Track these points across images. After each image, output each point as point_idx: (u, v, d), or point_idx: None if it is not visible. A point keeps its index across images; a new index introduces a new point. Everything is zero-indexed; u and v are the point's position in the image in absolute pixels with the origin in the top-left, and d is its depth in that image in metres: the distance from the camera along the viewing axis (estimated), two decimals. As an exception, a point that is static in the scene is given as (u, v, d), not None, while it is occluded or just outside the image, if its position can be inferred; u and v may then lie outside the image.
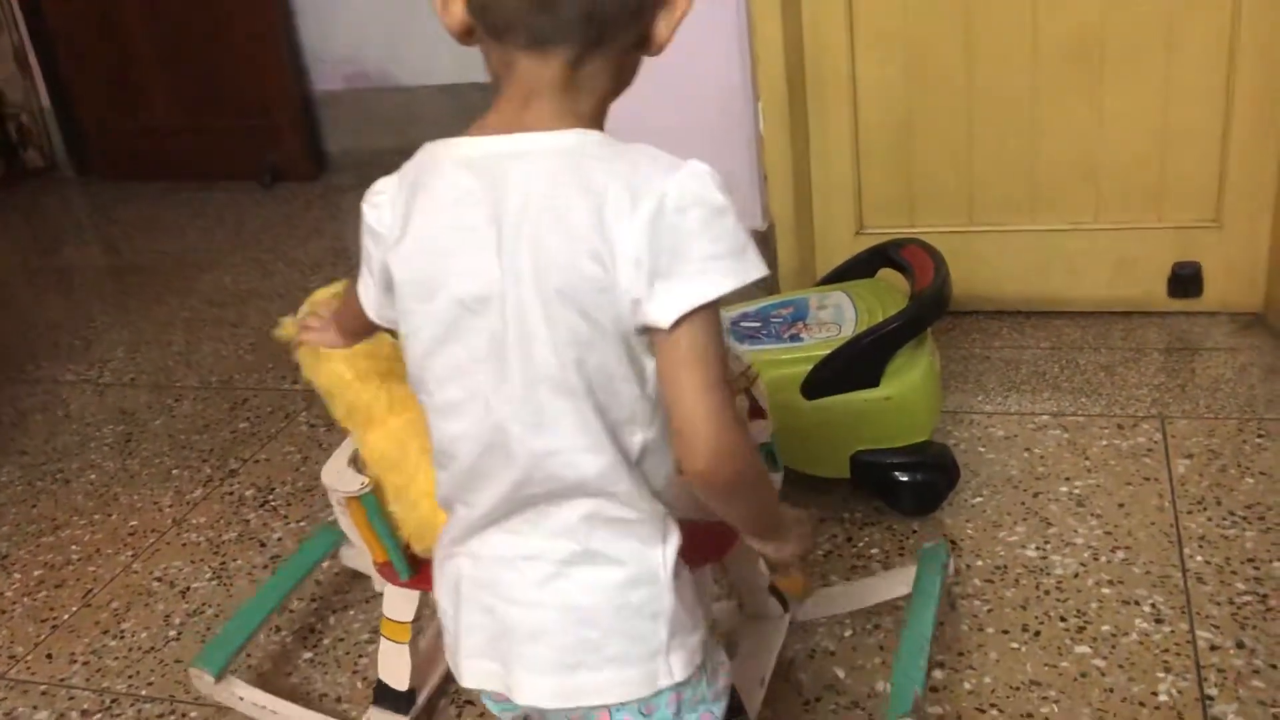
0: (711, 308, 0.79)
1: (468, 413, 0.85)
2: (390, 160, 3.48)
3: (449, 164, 0.84)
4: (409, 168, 0.89)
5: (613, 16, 0.81)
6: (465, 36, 0.85)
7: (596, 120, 0.85)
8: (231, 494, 2.07)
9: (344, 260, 3.19)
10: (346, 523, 1.36)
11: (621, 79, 0.87)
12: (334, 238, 3.41)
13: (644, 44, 0.86)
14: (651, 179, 0.78)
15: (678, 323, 0.78)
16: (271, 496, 2.04)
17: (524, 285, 0.80)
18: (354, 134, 4.08)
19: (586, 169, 0.80)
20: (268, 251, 3.33)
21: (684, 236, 0.78)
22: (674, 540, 0.87)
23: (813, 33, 2.21)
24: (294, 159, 3.97)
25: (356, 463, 1.31)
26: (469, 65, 4.08)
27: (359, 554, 1.48)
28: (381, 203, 0.90)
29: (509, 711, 0.95)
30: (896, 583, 1.53)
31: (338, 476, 1.31)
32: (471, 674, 0.90)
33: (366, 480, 1.28)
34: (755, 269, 0.80)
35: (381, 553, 1.32)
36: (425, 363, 0.86)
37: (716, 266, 0.78)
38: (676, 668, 0.86)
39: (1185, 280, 2.20)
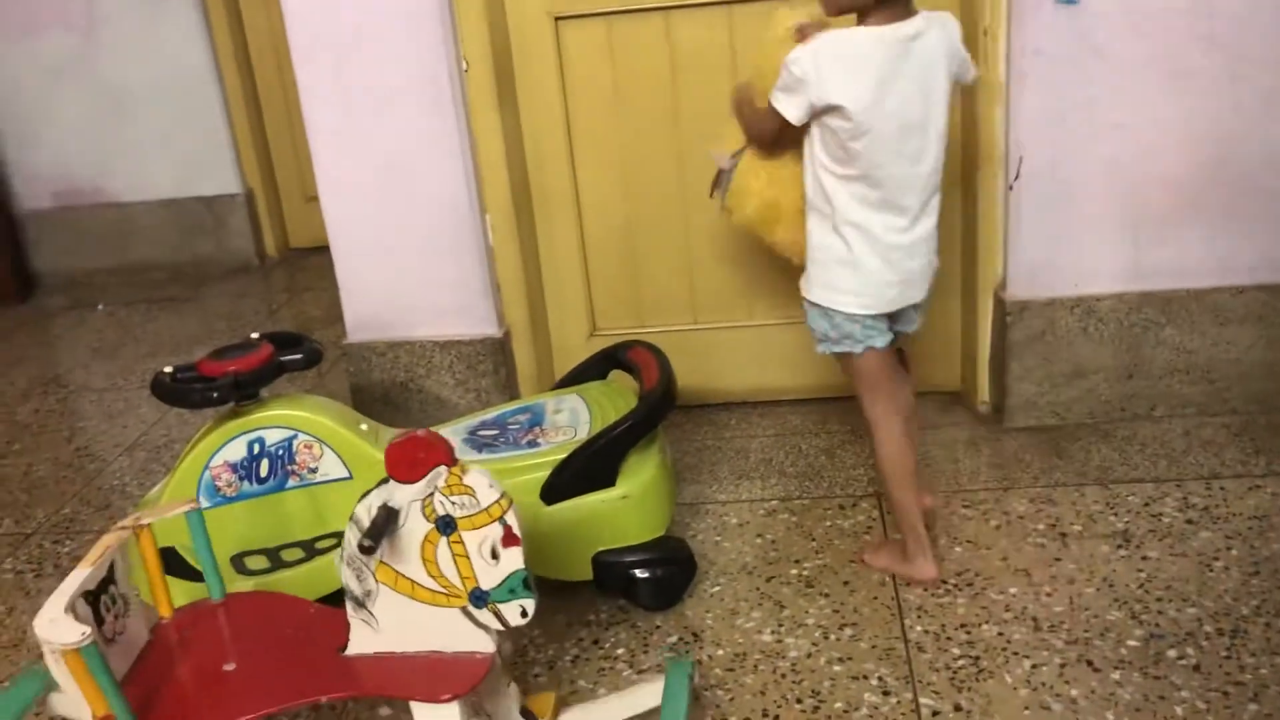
0: None
1: (899, 166, 1.60)
2: (105, 279, 3.33)
3: (879, 41, 1.55)
4: (833, 45, 1.56)
5: None
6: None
7: None
8: (-76, 656, 1.87)
9: (55, 387, 2.99)
10: (63, 675, 1.26)
11: None
12: (45, 364, 3.19)
13: None
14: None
15: None
16: (-28, 655, 1.86)
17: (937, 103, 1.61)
18: (66, 253, 3.86)
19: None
20: (-33, 383, 3.07)
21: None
22: None
23: (534, 147, 2.29)
24: (-3, 281, 3.71)
25: (75, 610, 1.22)
26: (187, 179, 3.96)
27: (75, 701, 1.36)
28: (804, 62, 1.55)
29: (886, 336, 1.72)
30: (645, 696, 1.53)
31: (53, 627, 1.22)
32: (890, 302, 1.68)
33: (87, 630, 1.19)
34: None
35: (103, 705, 1.23)
36: (878, 157, 1.58)
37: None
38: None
39: (891, 365, 2.38)
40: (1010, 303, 2.16)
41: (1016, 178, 2.09)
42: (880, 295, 1.66)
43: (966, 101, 2.14)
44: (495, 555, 1.28)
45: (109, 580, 1.33)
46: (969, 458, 2.16)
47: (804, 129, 1.62)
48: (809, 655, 1.65)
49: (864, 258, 1.64)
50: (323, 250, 2.40)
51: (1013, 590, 1.75)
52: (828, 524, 1.98)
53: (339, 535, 1.73)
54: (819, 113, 1.58)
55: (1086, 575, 1.77)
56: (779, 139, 1.68)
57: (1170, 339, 2.16)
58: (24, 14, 3.61)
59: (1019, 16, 1.99)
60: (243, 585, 1.71)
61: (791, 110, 1.59)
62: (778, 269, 2.33)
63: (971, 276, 2.24)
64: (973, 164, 2.15)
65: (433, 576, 1.29)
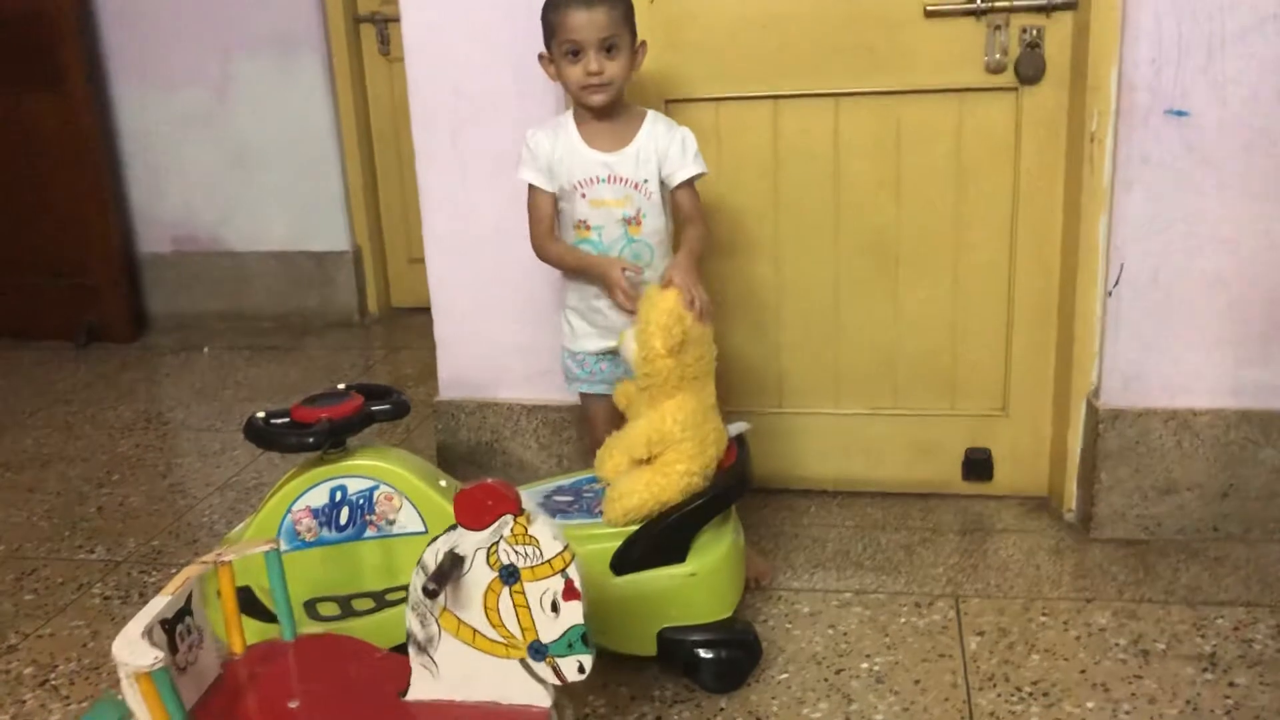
0: None
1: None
2: (213, 324, 3.48)
3: None
4: None
5: None
6: None
7: None
8: (8, 672, 1.93)
9: (157, 424, 3.09)
10: (135, 698, 1.29)
11: None
12: (148, 400, 3.31)
13: None
14: None
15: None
16: (53, 675, 1.91)
17: None
18: (179, 296, 4.02)
19: None
20: (75, 413, 3.20)
21: None
22: None
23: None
24: (113, 320, 3.86)
25: (152, 635, 1.26)
26: (300, 234, 4.10)
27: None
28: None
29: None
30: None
31: (129, 649, 1.25)
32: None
33: (160, 655, 1.22)
34: None
35: (172, 733, 1.26)
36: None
37: None
38: None
39: (977, 465, 2.34)
40: (1103, 410, 2.12)
41: (1116, 284, 2.06)
42: None
43: (1069, 206, 2.13)
44: (556, 608, 1.28)
45: (185, 611, 1.36)
46: (1051, 565, 2.10)
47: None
48: (872, 753, 1.61)
49: None
50: (422, 311, 2.46)
51: (1090, 704, 1.69)
52: (902, 620, 1.94)
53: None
54: None
55: (1169, 696, 1.70)
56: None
57: (1269, 460, 2.09)
58: (166, 69, 3.82)
59: (1128, 124, 1.99)
60: (313, 630, 1.74)
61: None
62: (866, 361, 2.33)
63: (1065, 381, 2.21)
64: (1071, 268, 2.13)
65: (494, 626, 1.31)
